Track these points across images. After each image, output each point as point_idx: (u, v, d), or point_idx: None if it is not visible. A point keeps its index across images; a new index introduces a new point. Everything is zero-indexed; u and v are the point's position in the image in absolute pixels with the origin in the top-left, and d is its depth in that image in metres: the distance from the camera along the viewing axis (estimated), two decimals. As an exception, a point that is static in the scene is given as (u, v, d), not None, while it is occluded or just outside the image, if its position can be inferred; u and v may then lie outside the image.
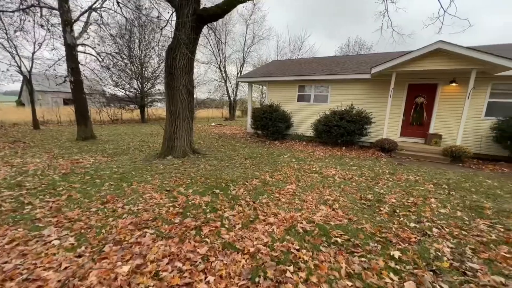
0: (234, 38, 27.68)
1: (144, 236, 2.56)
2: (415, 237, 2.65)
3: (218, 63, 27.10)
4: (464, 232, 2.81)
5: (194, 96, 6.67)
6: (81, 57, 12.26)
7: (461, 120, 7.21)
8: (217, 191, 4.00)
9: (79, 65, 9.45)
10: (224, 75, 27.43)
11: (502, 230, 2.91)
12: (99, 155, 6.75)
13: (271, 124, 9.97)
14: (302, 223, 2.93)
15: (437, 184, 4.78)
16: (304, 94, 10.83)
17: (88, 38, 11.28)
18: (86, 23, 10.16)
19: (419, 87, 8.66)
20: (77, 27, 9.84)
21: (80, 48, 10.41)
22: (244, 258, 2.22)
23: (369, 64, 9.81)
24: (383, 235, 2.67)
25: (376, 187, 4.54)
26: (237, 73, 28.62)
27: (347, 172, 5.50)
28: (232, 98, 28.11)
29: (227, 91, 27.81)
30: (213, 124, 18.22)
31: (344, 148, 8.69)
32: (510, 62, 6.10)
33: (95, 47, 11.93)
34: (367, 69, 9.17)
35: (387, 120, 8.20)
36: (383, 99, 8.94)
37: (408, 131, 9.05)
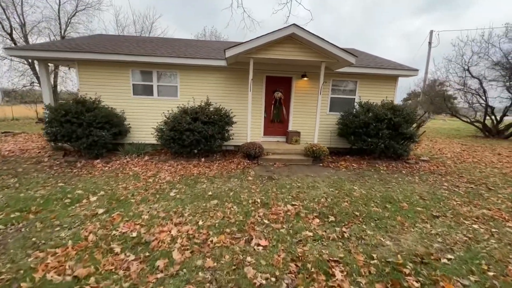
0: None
1: None
2: None
3: (9, 31, 16.88)
4: None
5: None
6: None
7: (316, 116, 6.85)
8: None
9: None
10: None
11: None
12: None
13: (83, 133, 5.88)
14: None
15: (322, 216, 3.38)
16: (144, 84, 7.44)
17: None
18: None
19: (276, 80, 7.84)
20: None
21: None
22: None
23: (224, 50, 7.97)
24: None
25: (249, 258, 2.39)
26: (53, 52, 19.35)
27: (199, 224, 3.07)
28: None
29: (37, 78, 18.29)
30: (-10, 132, 10.37)
31: (203, 159, 6.36)
32: (352, 57, 6.04)
33: None
34: (223, 55, 7.24)
35: (249, 119, 6.67)
36: (244, 93, 7.42)
37: (270, 129, 8.18)
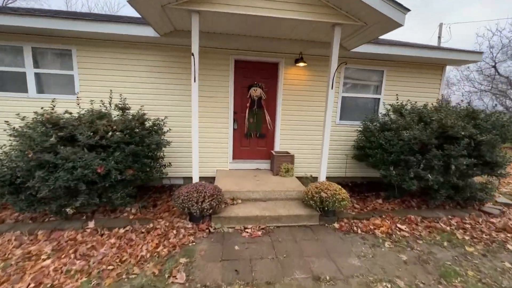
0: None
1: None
2: None
3: None
4: None
5: None
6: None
7: (324, 128, 3.72)
8: None
9: None
10: None
11: None
12: None
13: None
14: None
15: None
16: (9, 72, 4.06)
17: None
18: None
19: (253, 67, 4.68)
20: None
21: None
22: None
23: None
24: None
25: None
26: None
27: None
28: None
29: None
30: None
31: (93, 223, 3.04)
32: (399, 11, 2.96)
33: None
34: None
35: (195, 137, 3.41)
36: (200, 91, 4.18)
37: (245, 149, 4.98)
